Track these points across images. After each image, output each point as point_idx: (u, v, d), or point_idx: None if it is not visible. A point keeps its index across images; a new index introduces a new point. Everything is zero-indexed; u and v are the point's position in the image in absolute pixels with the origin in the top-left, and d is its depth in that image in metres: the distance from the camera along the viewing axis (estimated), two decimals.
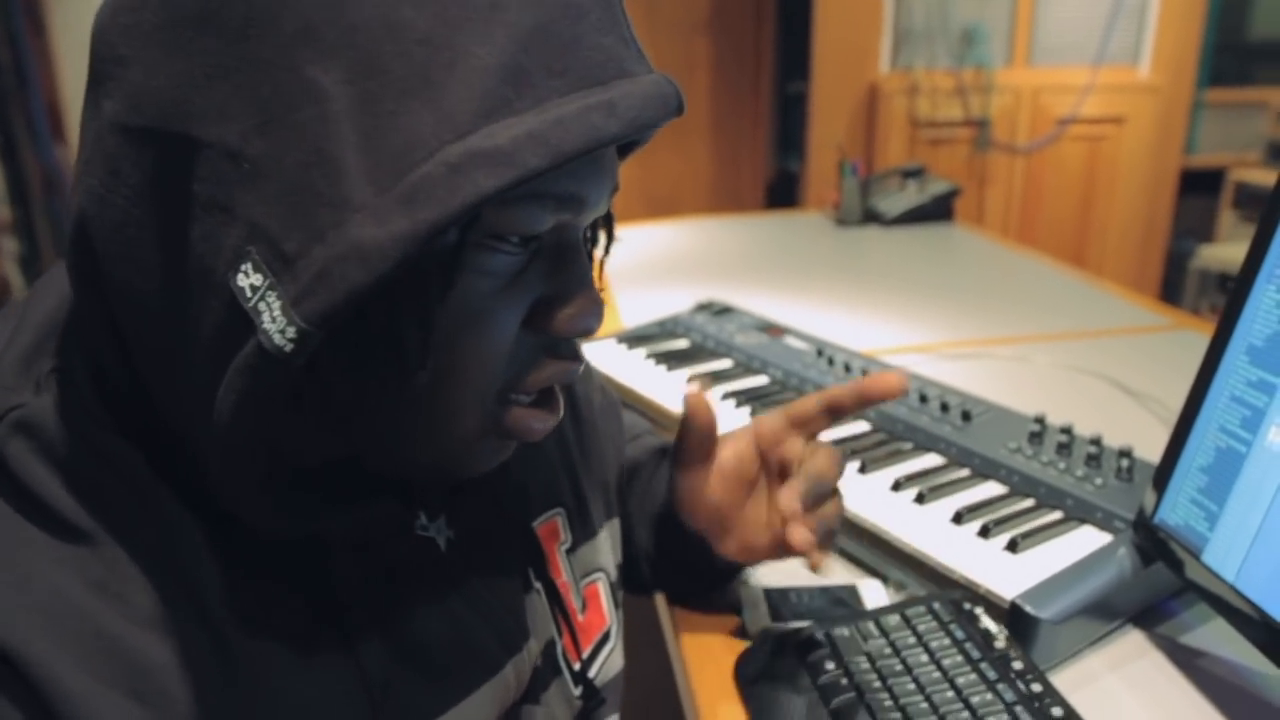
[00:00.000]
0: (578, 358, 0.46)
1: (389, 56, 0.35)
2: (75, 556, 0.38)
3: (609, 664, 0.63)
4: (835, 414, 0.64)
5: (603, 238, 0.49)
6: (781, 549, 0.65)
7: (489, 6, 0.36)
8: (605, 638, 0.63)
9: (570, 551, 0.62)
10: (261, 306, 0.35)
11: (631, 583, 0.75)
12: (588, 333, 0.44)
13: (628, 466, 0.76)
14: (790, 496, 0.61)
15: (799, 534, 0.59)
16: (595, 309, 0.44)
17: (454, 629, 0.50)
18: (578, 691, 0.59)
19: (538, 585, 0.57)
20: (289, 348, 0.35)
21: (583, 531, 0.64)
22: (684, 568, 0.71)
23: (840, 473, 0.64)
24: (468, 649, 0.51)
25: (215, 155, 0.35)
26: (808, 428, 0.65)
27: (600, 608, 0.64)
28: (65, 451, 0.40)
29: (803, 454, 0.64)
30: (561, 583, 0.60)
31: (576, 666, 0.60)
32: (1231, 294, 0.65)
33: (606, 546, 0.66)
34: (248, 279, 0.35)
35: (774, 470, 0.66)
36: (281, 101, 0.35)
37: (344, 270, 0.34)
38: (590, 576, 0.64)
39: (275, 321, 0.35)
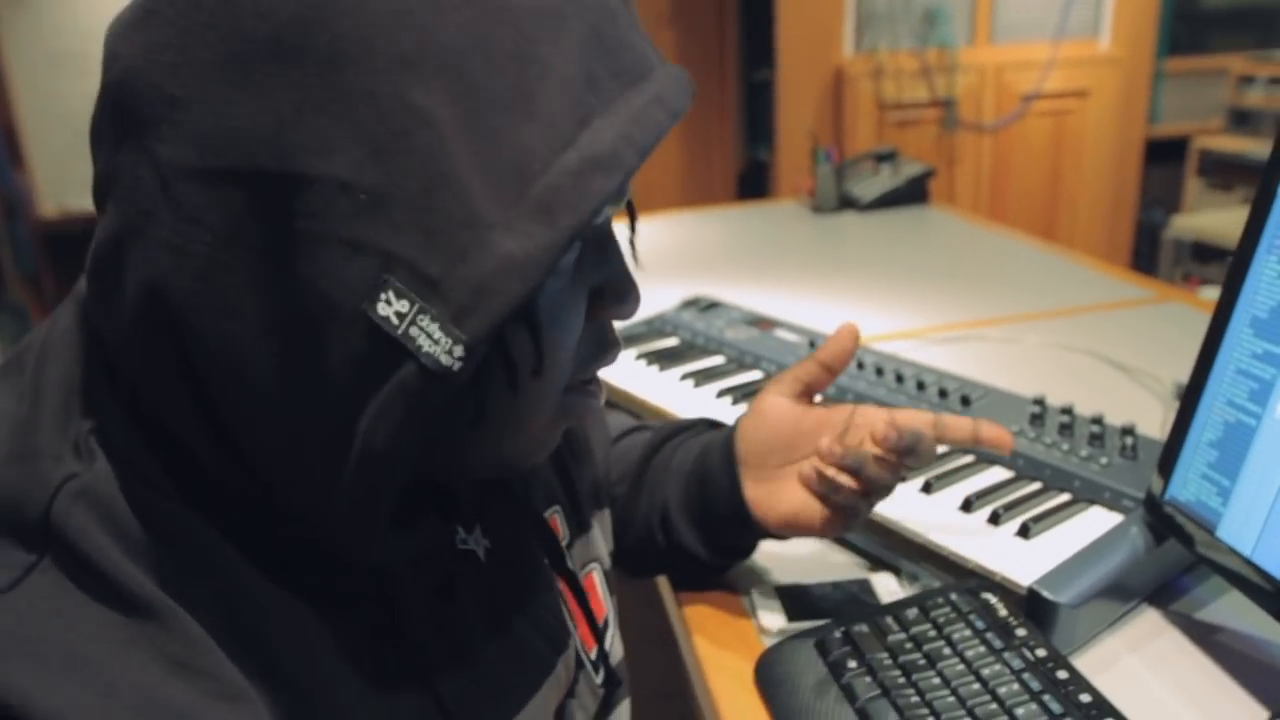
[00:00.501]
0: (619, 343, 0.49)
1: (484, 74, 0.35)
2: (150, 635, 0.37)
3: (614, 651, 0.64)
4: (939, 435, 0.66)
5: (627, 223, 0.51)
6: (798, 517, 0.67)
7: (556, 17, 0.37)
8: (606, 624, 0.64)
9: (569, 546, 0.63)
10: (414, 331, 0.35)
11: (635, 548, 0.75)
12: (630, 316, 0.47)
13: (651, 437, 0.78)
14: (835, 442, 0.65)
15: (826, 444, 0.64)
16: (638, 292, 0.47)
17: (508, 637, 0.52)
18: (599, 679, 0.61)
19: (560, 579, 0.59)
20: (457, 366, 0.36)
21: (578, 526, 0.65)
22: (704, 515, 0.71)
23: (890, 481, 0.66)
24: (523, 654, 0.53)
25: (324, 189, 0.34)
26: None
27: (599, 597, 0.65)
28: (128, 522, 0.38)
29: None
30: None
31: (594, 655, 0.61)
32: (1231, 266, 0.65)
33: (599, 538, 0.67)
34: (391, 307, 0.35)
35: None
36: (389, 129, 0.34)
37: (502, 284, 0.35)
38: (587, 568, 0.65)
39: (439, 343, 0.35)
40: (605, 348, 0.48)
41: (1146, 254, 3.66)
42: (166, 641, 0.37)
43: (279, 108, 0.34)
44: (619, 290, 0.46)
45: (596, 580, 0.65)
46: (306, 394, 0.37)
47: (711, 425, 0.79)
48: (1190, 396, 0.68)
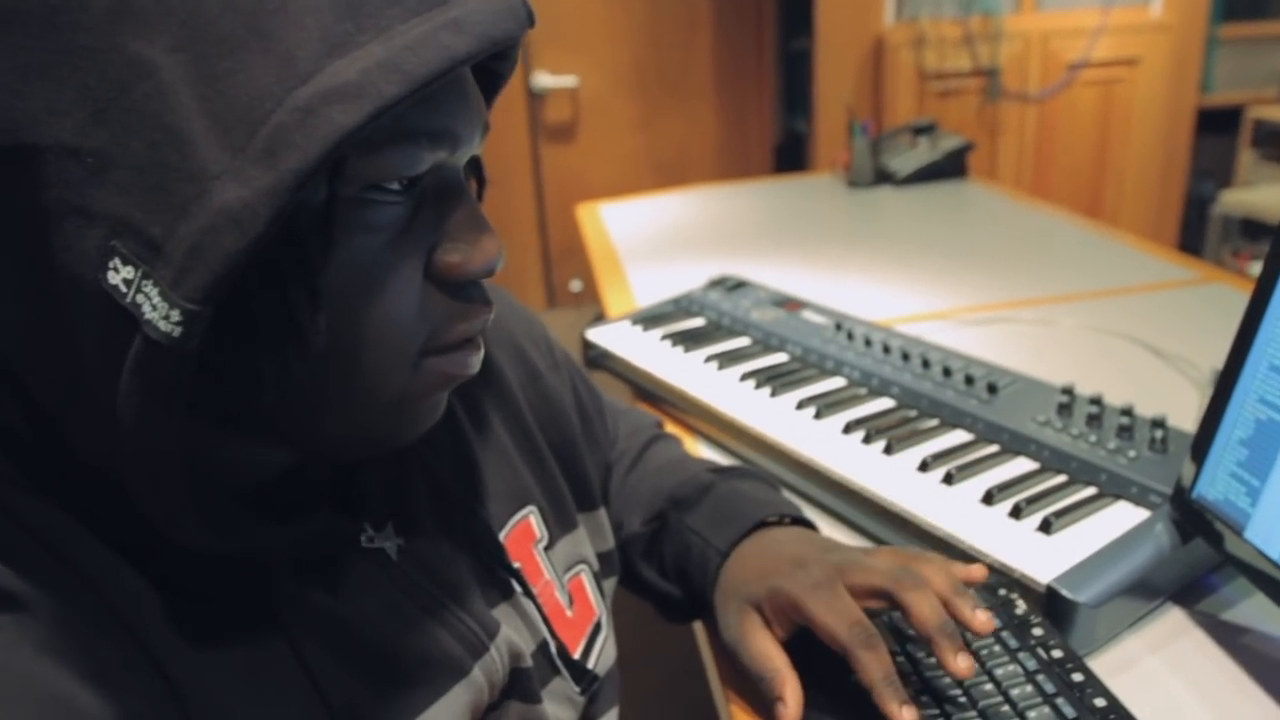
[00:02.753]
0: (486, 301, 0.45)
1: (213, 13, 0.33)
2: (14, 622, 0.36)
3: (604, 656, 0.62)
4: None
5: (473, 184, 0.47)
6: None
7: None
8: (597, 628, 0.63)
9: (549, 548, 0.61)
10: (140, 299, 0.33)
11: (662, 611, 0.74)
12: (489, 272, 0.43)
13: (650, 516, 0.73)
14: None
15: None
16: (489, 244, 0.43)
17: (413, 638, 0.49)
18: (578, 688, 0.58)
19: (516, 588, 0.56)
20: (177, 332, 0.33)
21: (560, 526, 0.63)
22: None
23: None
24: (430, 656, 0.49)
25: (55, 157, 0.33)
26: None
27: (587, 599, 0.63)
28: None
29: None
30: (544, 582, 0.60)
31: (576, 658, 0.59)
32: (1269, 256, 0.63)
33: (586, 538, 0.65)
34: (119, 274, 0.33)
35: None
36: (111, 85, 0.32)
37: (217, 240, 0.32)
38: (573, 570, 0.63)
39: (157, 309, 0.33)
40: (464, 308, 0.43)
41: (1195, 228, 3.56)
42: (34, 627, 0.36)
43: (8, 78, 0.33)
44: (465, 244, 0.42)
45: (585, 582, 0.63)
46: (75, 377, 0.36)
47: (727, 472, 0.75)
48: (1222, 390, 0.66)
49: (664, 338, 1.13)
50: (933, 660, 0.61)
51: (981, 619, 0.55)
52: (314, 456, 0.47)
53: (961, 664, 0.53)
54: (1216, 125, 3.54)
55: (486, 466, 0.59)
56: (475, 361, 0.45)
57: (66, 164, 0.33)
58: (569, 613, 0.61)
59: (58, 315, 0.35)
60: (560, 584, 0.61)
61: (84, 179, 0.33)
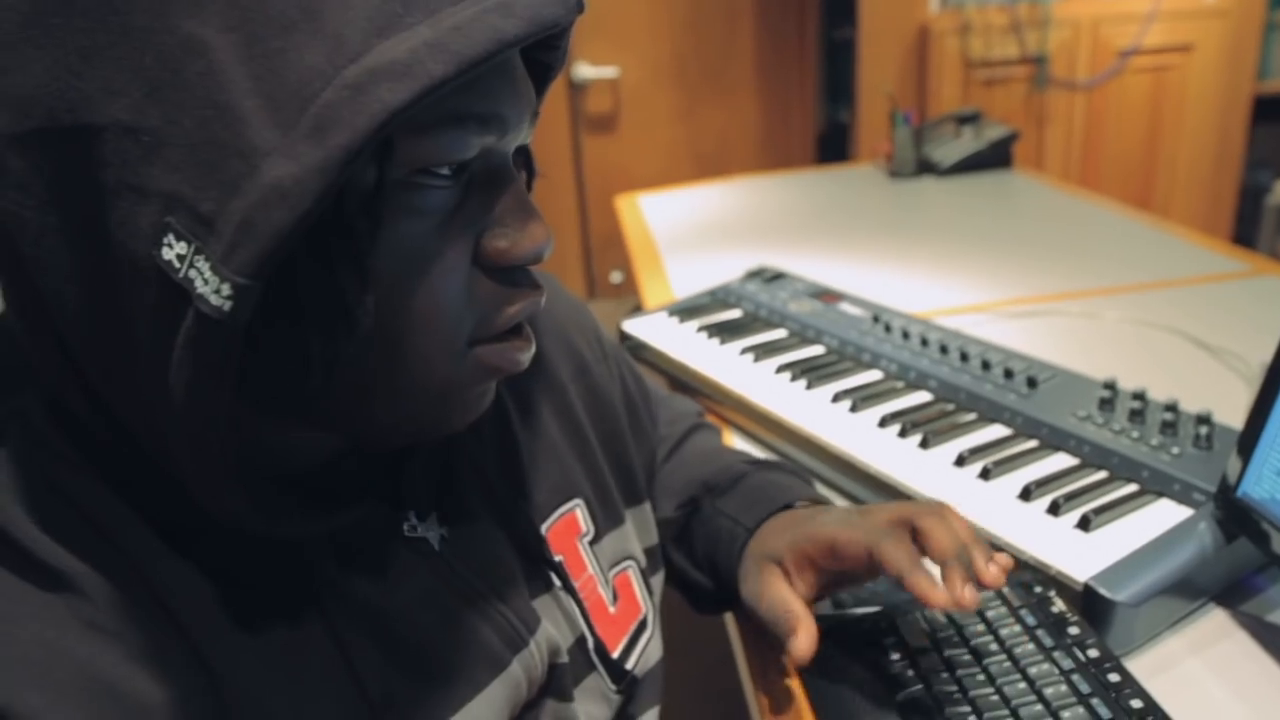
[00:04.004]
0: (537, 287, 0.45)
1: None
2: (63, 601, 0.37)
3: (647, 654, 0.62)
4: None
5: (522, 175, 0.47)
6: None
7: None
8: (641, 626, 0.62)
9: (594, 542, 0.61)
10: (192, 274, 0.33)
11: (693, 601, 0.74)
12: (538, 258, 0.43)
13: (683, 501, 0.73)
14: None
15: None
16: (537, 230, 0.43)
17: (453, 629, 0.49)
18: (615, 686, 0.58)
19: (556, 582, 0.56)
20: (227, 306, 0.33)
21: (607, 521, 0.62)
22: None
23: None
24: (469, 649, 0.49)
25: (113, 136, 0.33)
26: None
27: (634, 596, 0.62)
28: (34, 495, 0.38)
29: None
30: (586, 576, 0.59)
31: (615, 656, 0.58)
32: None
33: (633, 533, 0.65)
34: (172, 250, 0.33)
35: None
36: (165, 64, 0.33)
37: (266, 215, 0.33)
38: (619, 566, 0.62)
39: (209, 283, 0.33)
40: (512, 294, 0.43)
41: (1250, 219, 3.47)
42: (81, 605, 0.37)
43: (69, 59, 0.33)
44: (514, 230, 0.42)
45: (633, 579, 0.63)
46: (131, 352, 0.36)
47: (757, 467, 0.74)
48: (1269, 386, 0.64)
49: (700, 329, 1.13)
50: (967, 658, 0.60)
51: (993, 571, 0.56)
52: (361, 443, 0.47)
53: (967, 594, 0.54)
54: (1274, 113, 3.45)
55: (533, 458, 0.58)
56: (525, 357, 0.45)
57: (123, 142, 0.33)
58: (612, 609, 0.60)
59: (113, 292, 0.36)
60: (604, 579, 0.60)
61: (139, 157, 0.33)
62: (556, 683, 0.54)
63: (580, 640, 0.57)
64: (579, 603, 0.57)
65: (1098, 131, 3.23)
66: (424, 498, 0.50)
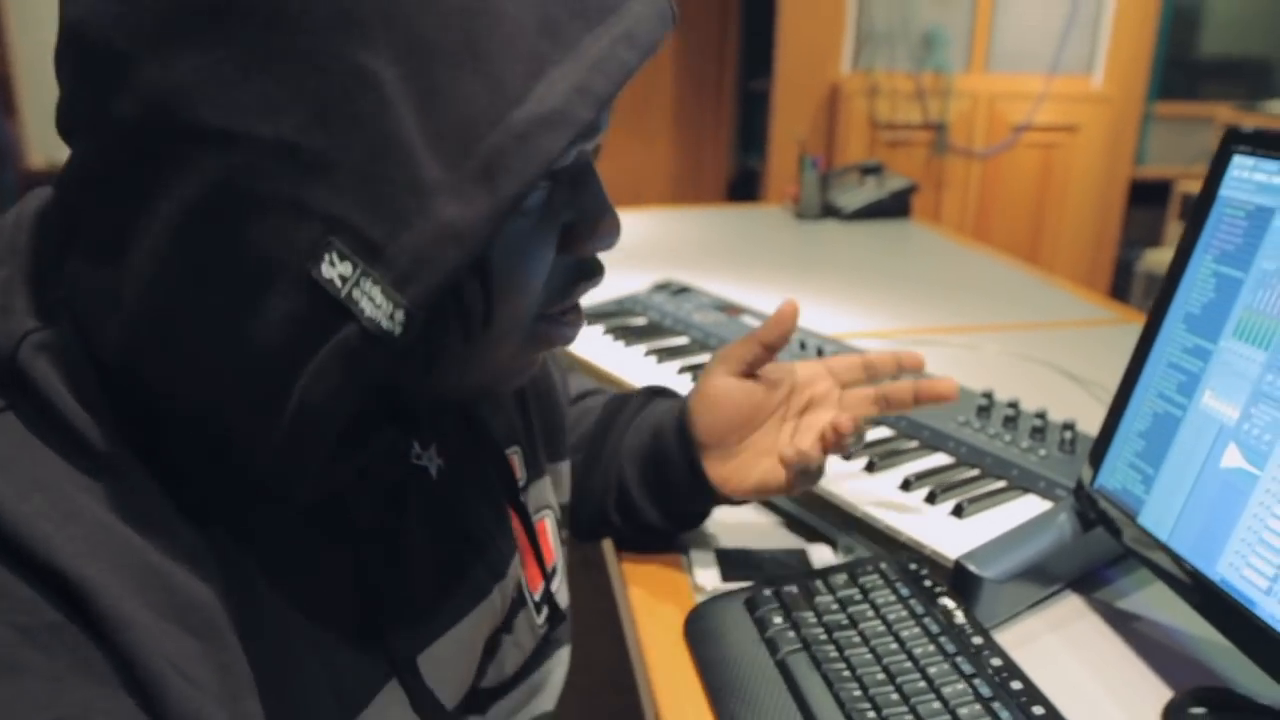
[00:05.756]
0: (602, 270, 0.49)
1: (431, 30, 0.35)
2: (109, 488, 0.37)
3: (560, 596, 0.65)
4: (871, 375, 0.73)
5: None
6: (766, 485, 0.70)
7: None
8: (554, 571, 0.65)
9: (524, 489, 0.64)
10: (357, 294, 0.35)
11: (586, 525, 0.77)
12: (611, 244, 0.47)
13: (601, 415, 0.78)
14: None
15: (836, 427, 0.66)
16: (617, 225, 0.47)
17: (449, 557, 0.53)
18: (540, 619, 0.62)
19: (513, 514, 0.60)
20: (398, 330, 0.36)
21: (533, 470, 0.66)
22: (663, 496, 0.74)
23: (846, 441, 0.67)
24: (461, 576, 0.53)
25: (268, 151, 0.34)
26: (842, 378, 0.72)
27: (549, 542, 0.66)
28: (87, 380, 0.39)
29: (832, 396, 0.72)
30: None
31: (538, 595, 0.62)
32: (1171, 265, 0.68)
33: (551, 486, 0.68)
34: (334, 269, 0.35)
35: (797, 408, 0.72)
36: (334, 91, 0.34)
37: (442, 252, 0.35)
38: (540, 513, 0.66)
39: (381, 307, 0.35)
40: (583, 277, 0.48)
41: (1123, 291, 3.71)
42: (126, 495, 0.38)
43: (221, 67, 0.34)
44: (594, 224, 0.46)
45: (548, 527, 0.67)
46: (243, 352, 0.37)
47: (657, 393, 0.81)
48: (1124, 389, 0.70)
49: (606, 332, 1.16)
50: (845, 623, 0.64)
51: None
52: (415, 403, 0.50)
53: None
54: (1148, 196, 3.71)
55: (494, 404, 0.62)
56: (577, 334, 0.50)
57: (281, 158, 0.34)
58: (540, 552, 0.63)
59: (234, 293, 0.36)
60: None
61: (299, 175, 0.35)
62: (510, 616, 0.59)
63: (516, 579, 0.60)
64: (534, 543, 0.61)
65: (991, 199, 3.42)
66: (426, 430, 0.53)
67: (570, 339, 0.49)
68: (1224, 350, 0.61)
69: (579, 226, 0.46)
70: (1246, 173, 0.63)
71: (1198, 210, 0.66)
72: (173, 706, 0.35)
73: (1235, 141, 0.64)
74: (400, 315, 0.36)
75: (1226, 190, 0.64)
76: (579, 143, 0.42)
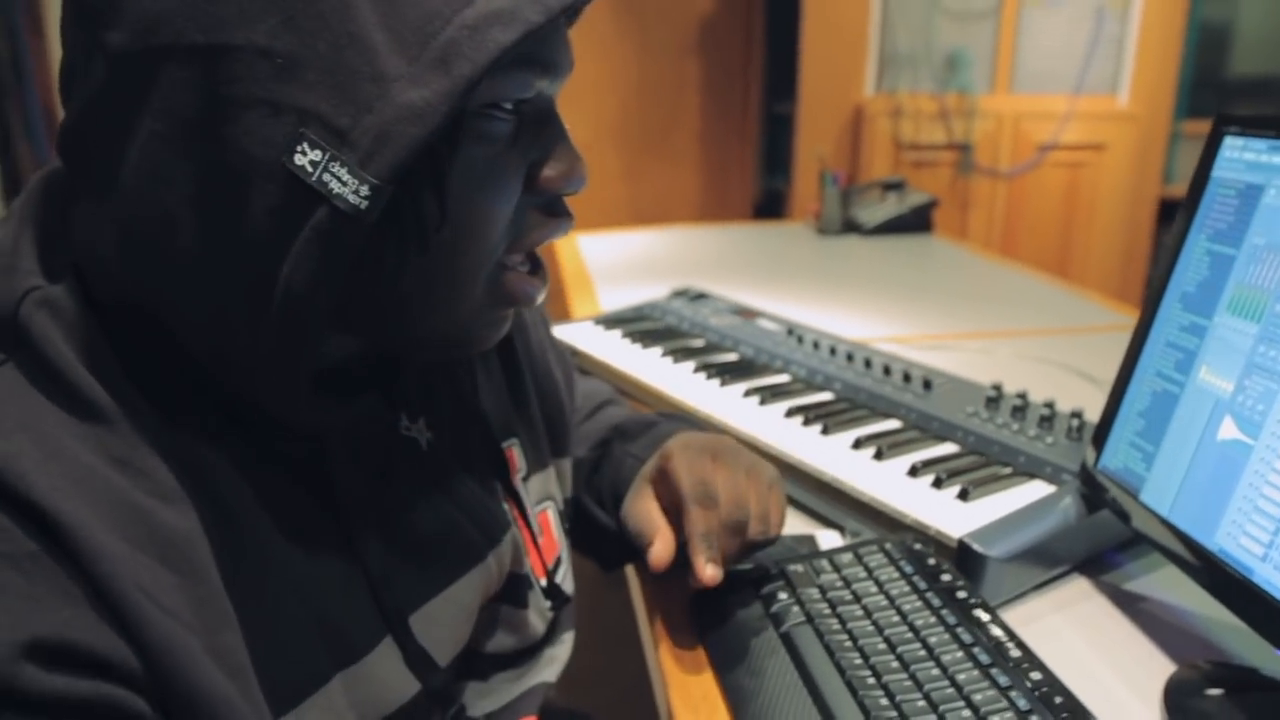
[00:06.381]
0: (569, 214, 0.51)
1: None
2: (96, 434, 0.40)
3: (565, 584, 0.67)
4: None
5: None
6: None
7: None
8: (559, 561, 0.67)
9: (526, 479, 0.66)
10: (327, 177, 0.39)
11: (599, 556, 0.78)
12: (577, 188, 0.50)
13: (597, 443, 0.79)
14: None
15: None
16: (580, 164, 0.50)
17: (440, 520, 0.55)
18: (547, 604, 0.64)
19: (507, 498, 0.62)
20: (364, 204, 0.39)
21: (535, 462, 0.67)
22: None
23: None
24: (453, 538, 0.55)
25: (246, 57, 0.38)
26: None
27: (552, 533, 0.68)
28: (84, 334, 0.42)
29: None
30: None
31: (544, 582, 0.64)
32: (1168, 248, 0.69)
33: (555, 478, 0.70)
34: (306, 157, 0.39)
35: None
36: None
37: (402, 129, 0.39)
38: (542, 504, 0.68)
39: (347, 185, 0.39)
40: (549, 218, 0.50)
41: None
42: (111, 441, 0.40)
43: None
44: (559, 161, 0.48)
45: (551, 518, 0.68)
46: (232, 247, 0.41)
47: (668, 419, 0.80)
48: (1124, 371, 0.71)
49: (624, 336, 1.18)
50: (848, 598, 0.65)
51: (710, 572, 0.60)
52: (386, 351, 0.52)
53: (708, 571, 0.60)
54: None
55: (488, 392, 0.64)
56: (540, 294, 0.52)
57: (257, 62, 0.38)
58: (539, 540, 0.65)
59: (219, 191, 0.40)
60: (532, 513, 0.65)
61: (271, 76, 0.38)
62: (516, 590, 0.61)
63: (519, 554, 0.62)
64: (528, 523, 0.63)
65: (1017, 218, 3.41)
66: (414, 402, 0.56)
67: (532, 297, 0.51)
68: (1218, 325, 0.62)
69: (543, 164, 0.48)
70: (1237, 153, 0.64)
71: (1192, 192, 0.67)
72: (147, 631, 0.38)
73: (1226, 124, 0.65)
74: (365, 189, 0.39)
75: (1219, 171, 0.65)
76: (538, 75, 0.46)
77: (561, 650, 0.68)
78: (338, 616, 0.48)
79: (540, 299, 0.52)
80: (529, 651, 0.65)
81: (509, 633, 0.62)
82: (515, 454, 0.65)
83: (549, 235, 0.51)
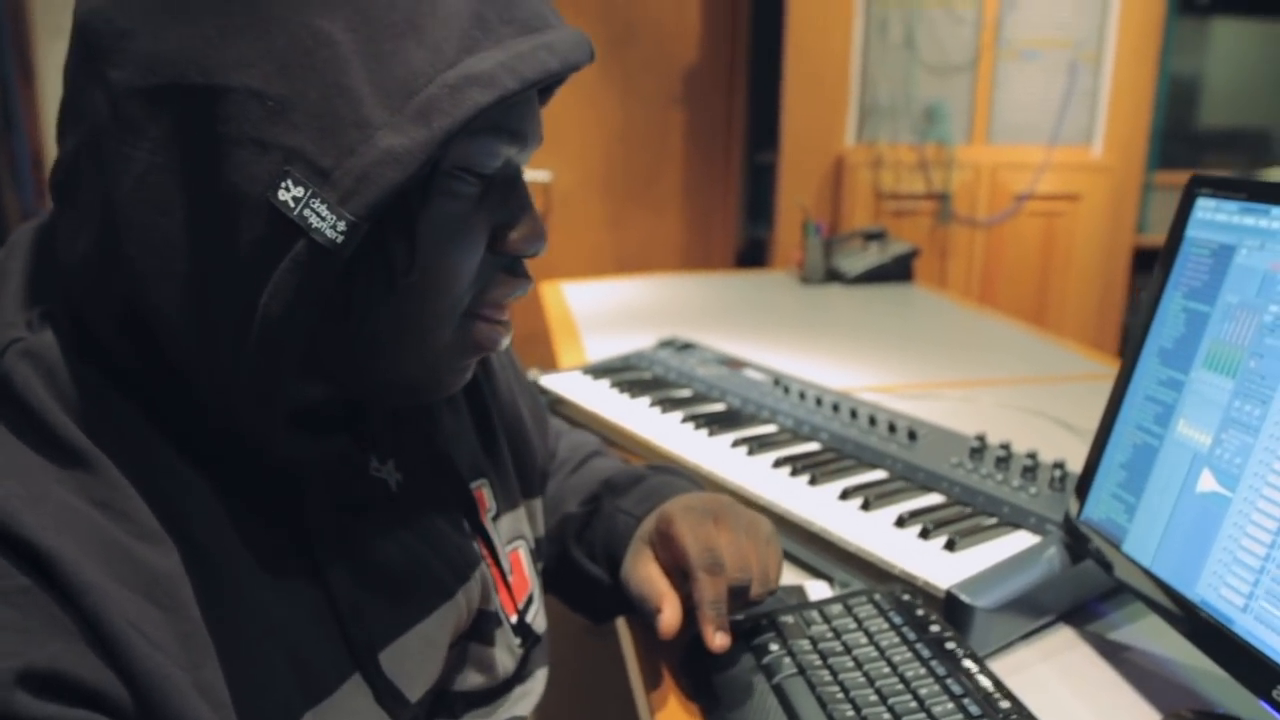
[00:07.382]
0: (529, 276, 0.54)
1: (380, 8, 0.43)
2: (78, 478, 0.42)
3: (536, 622, 0.68)
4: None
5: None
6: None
7: None
8: (529, 600, 0.68)
9: (496, 519, 0.67)
10: (307, 213, 0.42)
11: (590, 609, 0.78)
12: (537, 252, 0.53)
13: (586, 497, 0.79)
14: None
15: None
16: (541, 231, 0.53)
17: (410, 558, 0.56)
18: (517, 641, 0.65)
19: (476, 537, 0.63)
20: (340, 239, 0.42)
21: (506, 502, 0.69)
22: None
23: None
24: (423, 575, 0.57)
25: (240, 98, 0.41)
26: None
27: (523, 572, 0.69)
28: (65, 381, 0.44)
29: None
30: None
31: (514, 619, 0.65)
32: (1145, 304, 0.71)
33: (526, 518, 0.71)
34: (289, 193, 0.42)
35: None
36: (296, 48, 0.41)
37: (381, 172, 0.42)
38: (513, 543, 0.69)
39: (325, 220, 0.42)
40: (510, 277, 0.53)
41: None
42: (93, 485, 0.42)
43: (206, 32, 0.42)
44: (521, 226, 0.52)
45: (522, 557, 0.69)
46: (219, 274, 0.43)
47: (656, 471, 0.79)
48: (1105, 425, 0.73)
49: (612, 385, 1.19)
50: (839, 649, 0.65)
51: (719, 641, 0.62)
52: (355, 396, 0.54)
53: (717, 640, 0.62)
54: (1151, 263, 3.73)
55: (455, 435, 0.66)
56: (505, 341, 0.54)
57: (249, 104, 0.41)
58: (509, 579, 0.66)
59: (209, 223, 0.43)
60: (503, 552, 0.66)
61: (263, 117, 0.41)
62: (484, 627, 0.62)
63: (488, 592, 0.63)
64: (498, 562, 0.64)
65: (995, 266, 3.47)
66: (383, 444, 0.57)
67: (497, 343, 0.54)
68: (1195, 380, 0.64)
69: (507, 228, 0.51)
70: (1210, 213, 0.66)
71: (1167, 251, 0.69)
72: (135, 664, 0.39)
73: (1199, 185, 0.68)
74: (343, 225, 0.42)
75: (1193, 230, 0.68)
76: (507, 144, 0.49)
77: (535, 686, 0.69)
78: (308, 653, 0.49)
79: (504, 344, 0.55)
80: (500, 689, 0.65)
81: (478, 670, 0.63)
82: (485, 494, 0.67)
83: (509, 294, 0.53)
